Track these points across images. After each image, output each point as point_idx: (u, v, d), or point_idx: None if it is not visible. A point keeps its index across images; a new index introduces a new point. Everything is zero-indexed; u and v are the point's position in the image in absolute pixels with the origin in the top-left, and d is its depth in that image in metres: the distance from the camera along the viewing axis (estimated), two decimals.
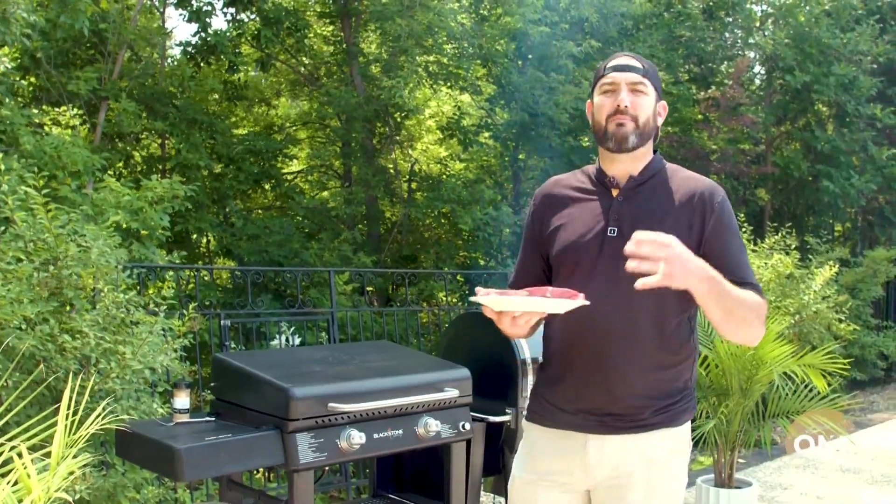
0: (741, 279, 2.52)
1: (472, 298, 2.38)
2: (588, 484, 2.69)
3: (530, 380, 4.11)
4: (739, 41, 14.94)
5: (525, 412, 2.89)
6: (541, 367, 2.88)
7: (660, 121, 2.73)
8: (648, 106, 2.65)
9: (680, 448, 2.70)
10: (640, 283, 2.23)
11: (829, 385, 5.89)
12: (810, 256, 10.53)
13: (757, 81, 15.04)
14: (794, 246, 9.14)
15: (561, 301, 2.36)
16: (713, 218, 2.61)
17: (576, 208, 2.73)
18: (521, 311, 2.40)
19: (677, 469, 2.70)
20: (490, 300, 2.36)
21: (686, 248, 2.29)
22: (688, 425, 2.72)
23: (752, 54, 14.70)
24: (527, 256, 2.88)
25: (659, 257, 2.21)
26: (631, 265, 2.24)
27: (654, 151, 2.76)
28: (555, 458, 2.72)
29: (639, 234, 2.24)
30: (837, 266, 9.85)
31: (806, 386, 6.01)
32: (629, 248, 2.24)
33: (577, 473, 2.68)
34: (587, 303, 2.38)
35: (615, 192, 2.69)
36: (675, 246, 2.24)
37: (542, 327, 2.80)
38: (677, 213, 2.62)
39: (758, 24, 14.90)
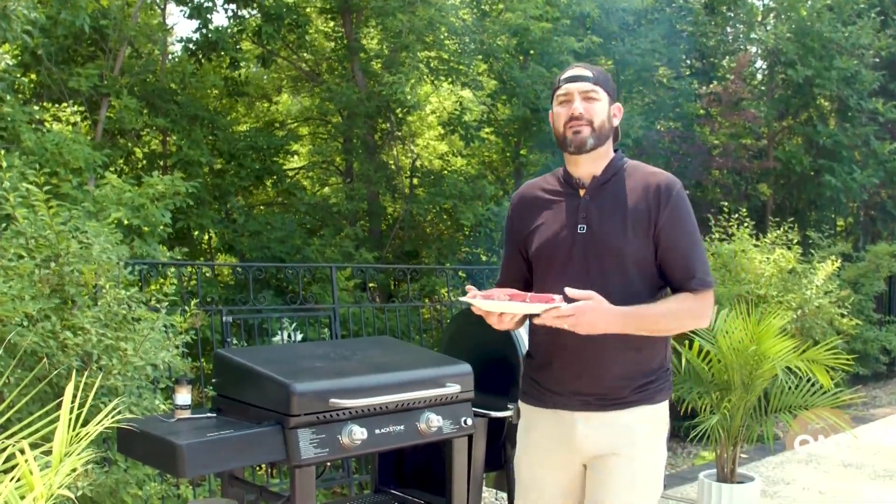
0: (688, 275, 2.83)
1: (461, 299, 2.79)
2: (581, 458, 2.95)
3: None
4: (741, 36, 14.92)
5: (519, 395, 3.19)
6: (528, 354, 3.16)
7: (616, 122, 2.98)
8: (602, 110, 2.90)
9: (658, 423, 2.94)
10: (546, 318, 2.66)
11: (832, 380, 5.89)
12: (812, 251, 10.52)
13: (759, 76, 15.02)
14: (795, 241, 9.13)
15: (537, 305, 2.66)
16: (666, 210, 2.84)
17: (549, 210, 3.01)
18: (501, 312, 2.72)
19: (656, 442, 2.94)
20: (476, 302, 2.71)
21: (600, 306, 2.67)
22: (665, 404, 2.95)
23: (753, 49, 14.68)
24: (509, 255, 3.15)
25: (568, 322, 2.64)
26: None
27: (616, 151, 3.01)
28: (550, 435, 3.00)
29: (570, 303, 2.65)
30: (839, 261, 9.83)
31: (808, 381, 6.00)
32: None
33: (569, 449, 2.95)
34: (562, 304, 2.64)
35: (582, 192, 2.96)
36: (584, 313, 2.63)
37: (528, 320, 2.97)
38: (637, 206, 2.87)
39: (759, 19, 14.88)
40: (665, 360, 2.96)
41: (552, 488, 3.01)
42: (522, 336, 4.16)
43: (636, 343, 2.83)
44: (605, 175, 2.93)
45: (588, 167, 2.94)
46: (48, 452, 2.77)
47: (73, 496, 2.79)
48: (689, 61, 14.56)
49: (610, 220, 2.86)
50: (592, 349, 2.83)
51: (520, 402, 3.17)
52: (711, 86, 13.54)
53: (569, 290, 2.64)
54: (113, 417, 2.98)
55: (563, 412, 2.94)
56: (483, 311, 2.74)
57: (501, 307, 2.69)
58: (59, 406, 2.85)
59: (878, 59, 13.57)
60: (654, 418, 2.92)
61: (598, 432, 2.89)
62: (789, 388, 5.87)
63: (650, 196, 2.85)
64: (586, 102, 2.88)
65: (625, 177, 2.93)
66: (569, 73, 2.95)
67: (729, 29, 14.97)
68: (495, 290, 2.76)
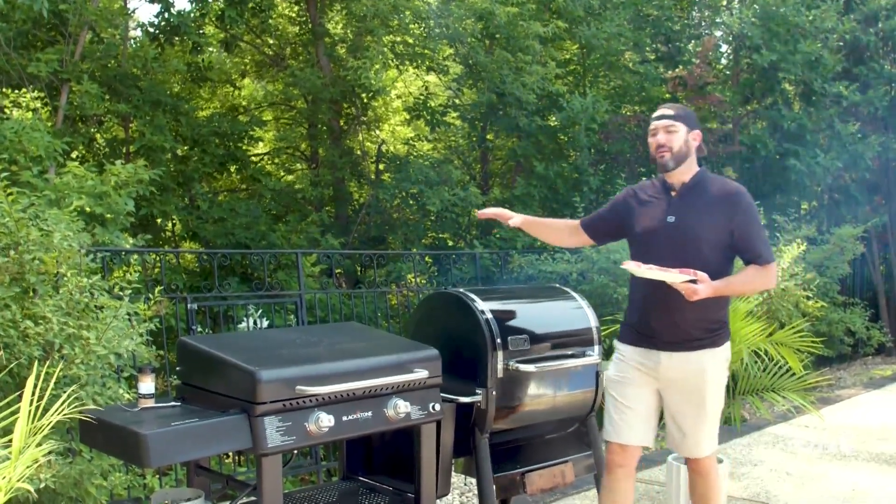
0: (754, 255, 4.00)
1: (622, 265, 4.01)
2: (658, 384, 4.14)
3: (500, 359, 4.08)
4: (706, 20, 14.95)
5: (617, 336, 4.32)
6: (628, 308, 4.29)
7: (694, 145, 4.13)
8: (679, 139, 4.07)
9: (719, 362, 4.10)
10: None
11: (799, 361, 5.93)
12: (778, 234, 10.57)
13: (724, 60, 15.05)
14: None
15: (679, 275, 3.78)
16: (737, 214, 3.99)
17: (649, 205, 4.17)
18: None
19: (718, 375, 4.12)
20: (634, 270, 3.94)
21: (706, 284, 3.81)
22: (726, 346, 4.12)
23: (718, 33, 14.71)
24: (608, 215, 4.38)
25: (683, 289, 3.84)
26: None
27: (700, 165, 4.16)
28: (638, 365, 4.16)
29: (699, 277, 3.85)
30: (805, 244, 9.89)
31: (775, 363, 6.03)
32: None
33: (652, 376, 4.13)
34: (692, 276, 3.78)
35: (674, 194, 4.12)
36: (701, 289, 3.79)
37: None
38: (714, 208, 4.01)
39: (724, 3, 14.92)
40: (724, 315, 4.12)
41: (639, 405, 4.17)
42: (491, 321, 4.14)
43: (706, 301, 3.88)
44: (691, 182, 4.10)
45: (678, 177, 4.10)
46: (9, 445, 2.72)
47: (32, 490, 2.74)
48: (654, 45, 14.56)
49: (694, 214, 4.02)
50: (674, 304, 3.94)
51: (616, 341, 4.29)
52: (677, 70, 13.52)
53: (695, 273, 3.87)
54: (74, 407, 2.93)
55: (650, 350, 4.11)
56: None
57: (653, 274, 3.84)
58: (20, 397, 2.79)
59: (841, 43, 13.62)
60: (715, 357, 4.07)
61: (676, 365, 4.06)
62: (757, 370, 5.90)
63: (726, 202, 4.01)
64: (667, 134, 4.06)
65: (706, 186, 4.09)
66: (657, 113, 4.14)
67: (694, 13, 15.00)
68: (654, 267, 3.92)
